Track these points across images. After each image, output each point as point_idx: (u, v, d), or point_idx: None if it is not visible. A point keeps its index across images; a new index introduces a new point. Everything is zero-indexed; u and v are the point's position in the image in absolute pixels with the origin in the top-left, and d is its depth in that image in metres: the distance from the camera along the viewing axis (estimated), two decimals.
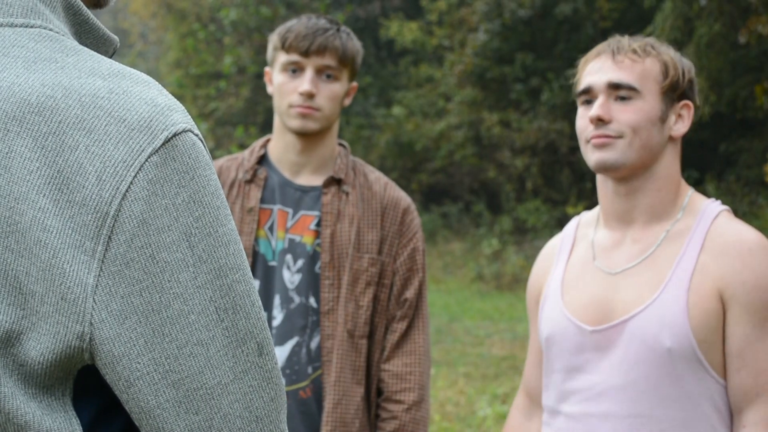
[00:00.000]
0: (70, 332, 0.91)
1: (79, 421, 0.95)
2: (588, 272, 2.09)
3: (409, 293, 2.50)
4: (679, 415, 1.92)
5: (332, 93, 2.49)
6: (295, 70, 2.48)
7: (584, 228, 2.18)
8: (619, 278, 2.03)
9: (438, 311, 12.25)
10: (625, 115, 2.00)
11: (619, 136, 1.99)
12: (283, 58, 2.49)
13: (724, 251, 1.95)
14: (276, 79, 2.50)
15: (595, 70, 2.04)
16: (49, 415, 0.93)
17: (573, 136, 17.19)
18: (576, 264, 2.13)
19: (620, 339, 1.97)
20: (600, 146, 2.00)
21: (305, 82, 2.45)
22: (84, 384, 0.96)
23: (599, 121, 2.00)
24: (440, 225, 18.16)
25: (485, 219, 17.65)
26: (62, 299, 0.90)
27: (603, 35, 17.23)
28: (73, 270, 0.90)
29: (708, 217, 2.00)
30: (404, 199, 2.56)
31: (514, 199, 17.46)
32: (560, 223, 16.27)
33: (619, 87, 2.00)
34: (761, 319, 1.91)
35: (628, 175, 2.02)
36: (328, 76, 2.48)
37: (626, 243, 2.06)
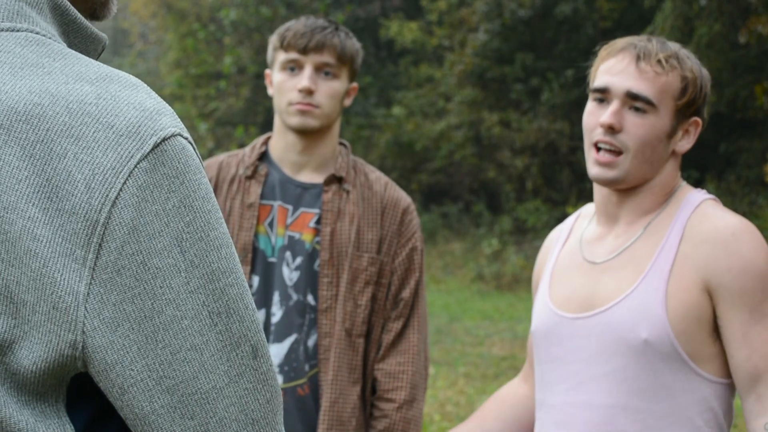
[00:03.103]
0: (62, 341, 0.90)
1: (72, 427, 0.94)
2: (574, 264, 2.09)
3: (406, 293, 2.51)
4: (656, 407, 1.92)
5: (331, 90, 2.49)
6: (294, 68, 2.49)
7: (582, 220, 2.19)
8: (600, 269, 2.03)
9: (438, 311, 12.25)
10: (636, 128, 1.97)
11: (623, 151, 1.97)
12: (281, 56, 2.50)
13: (705, 239, 1.92)
14: (275, 78, 2.52)
15: (616, 71, 2.00)
16: (43, 422, 0.93)
17: (573, 136, 17.20)
18: (565, 256, 2.13)
19: (598, 329, 1.97)
20: (603, 164, 1.98)
21: (304, 78, 2.46)
22: (77, 390, 0.95)
23: (610, 129, 1.97)
24: (440, 225, 18.16)
25: (485, 219, 17.65)
26: (54, 308, 0.90)
27: (603, 35, 17.26)
28: (64, 279, 0.89)
29: (689, 206, 1.99)
30: (404, 199, 2.56)
31: (514, 199, 17.47)
32: (560, 223, 16.27)
33: (637, 98, 1.97)
34: (757, 302, 1.88)
35: (626, 188, 2.02)
36: (327, 74, 2.49)
37: (610, 237, 2.06)
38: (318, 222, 2.49)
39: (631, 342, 1.92)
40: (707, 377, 1.92)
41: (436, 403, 7.54)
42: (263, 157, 2.57)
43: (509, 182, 17.83)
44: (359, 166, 2.57)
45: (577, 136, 17.06)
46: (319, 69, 2.49)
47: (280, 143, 2.55)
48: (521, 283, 15.16)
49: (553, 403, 2.05)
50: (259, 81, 18.06)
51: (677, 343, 1.90)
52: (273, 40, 2.54)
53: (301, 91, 2.45)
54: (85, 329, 0.90)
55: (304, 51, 2.47)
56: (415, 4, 20.20)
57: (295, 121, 2.47)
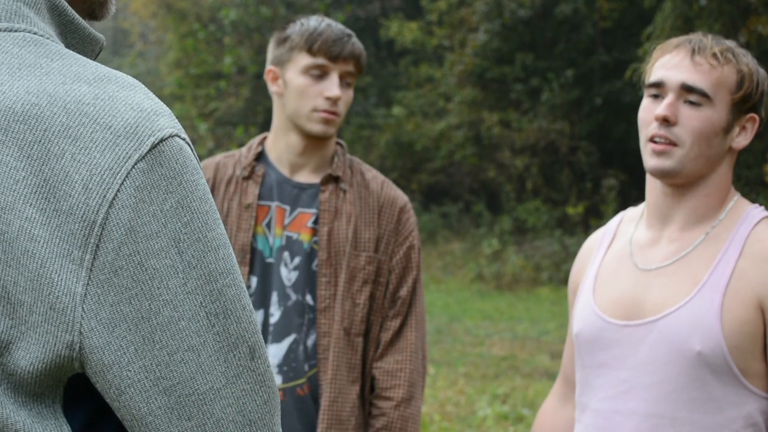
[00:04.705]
0: (59, 342, 0.90)
1: (69, 428, 0.94)
2: (622, 268, 2.06)
3: (403, 291, 2.51)
4: (703, 420, 1.91)
5: (349, 99, 2.52)
6: (320, 74, 2.48)
7: (626, 224, 2.15)
8: (652, 276, 2.00)
9: (438, 311, 12.25)
10: (691, 121, 1.95)
11: (679, 143, 1.95)
12: (306, 60, 2.47)
13: (764, 258, 1.91)
14: (295, 81, 2.48)
15: (671, 65, 1.99)
16: (40, 423, 0.93)
17: (573, 136, 17.20)
18: (612, 260, 2.10)
19: (649, 338, 1.95)
20: (659, 153, 1.96)
21: (334, 87, 2.46)
22: (74, 391, 0.95)
23: (665, 121, 1.96)
24: (440, 225, 18.16)
25: (485, 219, 17.65)
26: (51, 309, 0.90)
27: (603, 35, 17.27)
28: (62, 279, 0.89)
29: (749, 222, 1.97)
30: (401, 197, 2.57)
31: (514, 199, 17.47)
32: (560, 223, 16.29)
33: (692, 91, 1.95)
34: None
35: (683, 182, 1.99)
36: (347, 83, 2.51)
37: (663, 242, 2.03)
38: (315, 222, 2.49)
39: (684, 353, 1.90)
40: (756, 392, 1.92)
41: (436, 403, 7.54)
42: (259, 157, 2.56)
43: (509, 182, 17.83)
44: (355, 166, 2.58)
45: (577, 136, 17.06)
46: (342, 77, 2.49)
47: (280, 144, 2.54)
48: (521, 283, 15.16)
49: (597, 408, 2.03)
50: (259, 81, 18.06)
51: (730, 358, 1.89)
52: (294, 39, 2.50)
53: (329, 99, 2.45)
54: (82, 330, 0.90)
55: (335, 59, 2.47)
56: (415, 4, 20.20)
57: (318, 128, 2.46)
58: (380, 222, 2.52)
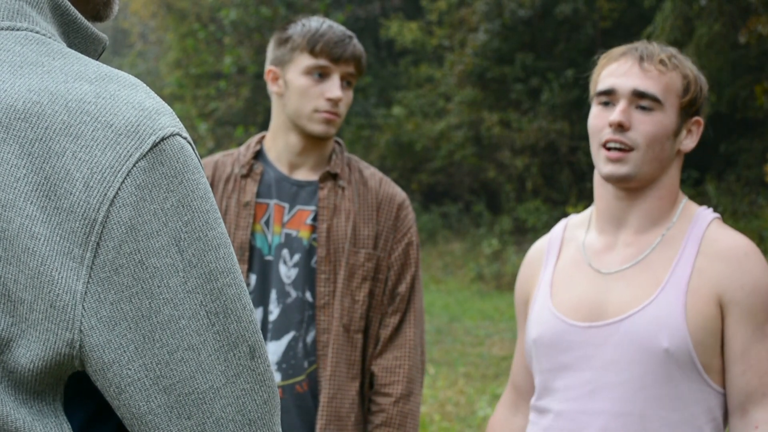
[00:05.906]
0: (59, 339, 0.90)
1: (69, 426, 0.95)
2: (579, 274, 2.10)
3: (402, 288, 2.52)
4: (670, 416, 1.95)
5: (349, 100, 2.54)
6: (321, 74, 2.49)
7: (573, 230, 2.19)
8: (612, 279, 2.04)
9: (438, 311, 12.25)
10: (644, 126, 2.00)
11: (633, 148, 1.99)
12: (308, 61, 2.49)
13: (720, 256, 1.98)
14: (296, 81, 2.50)
15: (620, 72, 2.04)
16: (40, 421, 0.93)
17: (573, 136, 17.20)
18: (565, 266, 2.14)
19: (614, 338, 1.99)
20: (615, 160, 2.00)
21: (335, 88, 2.47)
22: (75, 389, 0.95)
23: (619, 127, 2.00)
24: (440, 225, 18.17)
25: (485, 219, 17.66)
26: (51, 307, 0.90)
27: (603, 35, 17.27)
28: (62, 277, 0.89)
29: (702, 223, 2.03)
30: (399, 194, 2.58)
31: (514, 199, 17.47)
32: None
33: (644, 96, 2.00)
34: (761, 322, 1.95)
35: (636, 186, 2.04)
36: (348, 83, 2.52)
37: (618, 246, 2.07)
38: (314, 219, 2.50)
39: (652, 351, 1.94)
40: (715, 388, 1.97)
41: (436, 403, 7.54)
42: (258, 155, 2.57)
43: (509, 182, 17.83)
44: (353, 163, 2.59)
45: (577, 136, 17.06)
46: (343, 78, 2.51)
47: (279, 143, 2.55)
48: None
49: (561, 410, 2.05)
50: (259, 81, 18.06)
51: (694, 354, 1.94)
52: (296, 40, 2.51)
53: (330, 100, 2.47)
54: (82, 328, 0.90)
55: (337, 60, 2.48)
56: (415, 4, 20.20)
57: (320, 129, 2.48)
58: (379, 219, 2.53)
